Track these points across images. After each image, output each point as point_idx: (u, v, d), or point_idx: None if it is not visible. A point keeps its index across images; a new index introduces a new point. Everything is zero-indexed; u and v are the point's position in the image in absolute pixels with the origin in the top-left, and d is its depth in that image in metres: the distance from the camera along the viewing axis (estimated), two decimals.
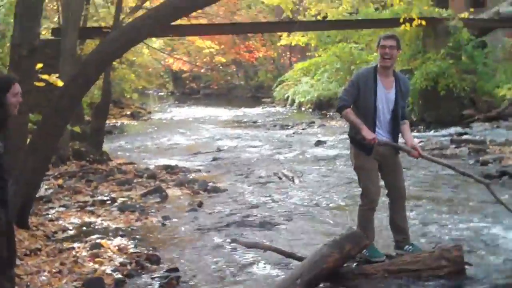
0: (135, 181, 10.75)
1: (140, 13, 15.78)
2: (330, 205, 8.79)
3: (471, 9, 22.37)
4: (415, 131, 16.68)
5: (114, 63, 17.05)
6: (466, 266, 5.44)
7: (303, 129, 19.59)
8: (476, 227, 7.09)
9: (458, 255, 5.41)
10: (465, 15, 20.69)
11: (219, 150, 15.00)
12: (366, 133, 5.71)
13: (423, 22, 16.79)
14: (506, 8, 21.81)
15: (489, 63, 21.13)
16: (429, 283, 5.23)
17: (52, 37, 14.79)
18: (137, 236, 7.41)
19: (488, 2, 27.02)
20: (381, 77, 5.89)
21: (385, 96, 5.89)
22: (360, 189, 6.09)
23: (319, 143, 15.29)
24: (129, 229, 7.76)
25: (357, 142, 5.93)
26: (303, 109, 27.30)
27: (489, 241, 6.50)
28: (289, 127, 20.26)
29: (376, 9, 24.25)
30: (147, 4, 19.00)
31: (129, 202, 9.23)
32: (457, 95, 18.53)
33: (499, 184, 9.21)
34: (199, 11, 21.19)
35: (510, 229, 6.77)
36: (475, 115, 18.01)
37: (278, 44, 30.20)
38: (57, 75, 8.55)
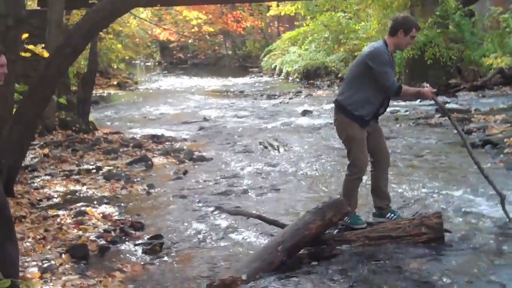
0: (121, 150, 10.79)
1: None
2: (314, 173, 8.84)
3: None
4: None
5: (100, 33, 16.95)
6: (445, 233, 5.51)
7: (290, 98, 19.61)
8: (456, 195, 7.15)
9: (438, 222, 5.47)
10: None
11: (205, 119, 15.04)
12: (428, 92, 5.91)
13: None
14: None
15: (476, 32, 21.12)
16: (409, 250, 5.29)
17: (39, 8, 14.68)
18: (122, 204, 7.46)
19: None
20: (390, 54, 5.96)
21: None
22: (347, 159, 6.12)
23: (305, 113, 15.32)
24: (114, 197, 7.81)
25: (352, 114, 5.94)
26: (290, 78, 27.30)
27: (467, 208, 6.56)
28: (276, 97, 20.28)
29: None
30: None
31: (114, 171, 9.27)
32: (444, 64, 18.56)
33: (482, 153, 9.27)
34: None
35: (488, 198, 6.85)
36: (461, 84, 18.06)
37: (267, 14, 30.09)
38: (43, 45, 8.51)
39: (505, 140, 9.95)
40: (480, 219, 6.19)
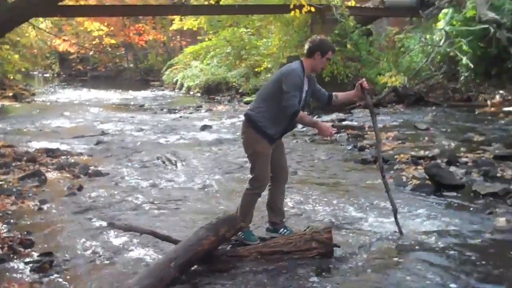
0: (13, 164, 10.43)
1: None
2: (211, 189, 8.86)
3: None
4: None
5: None
6: (335, 248, 5.66)
7: (190, 113, 19.59)
8: (348, 210, 7.37)
9: (328, 237, 5.62)
10: (351, 3, 21.31)
11: (103, 133, 14.79)
12: (325, 129, 5.94)
13: (312, 9, 17.13)
14: None
15: (373, 51, 21.83)
16: (300, 265, 5.40)
17: None
18: (12, 221, 7.22)
19: None
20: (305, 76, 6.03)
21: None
22: (250, 173, 6.18)
23: (204, 128, 15.34)
24: (4, 213, 7.54)
25: (262, 131, 6.00)
26: (191, 93, 27.32)
27: (358, 223, 6.78)
28: (176, 111, 20.21)
29: None
30: None
31: (5, 186, 8.95)
32: (341, 82, 19.05)
33: (374, 169, 9.56)
34: None
35: (379, 213, 7.10)
36: (357, 102, 18.55)
37: (170, 28, 30.01)
38: None
39: (396, 156, 10.32)
40: (369, 233, 6.39)
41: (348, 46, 20.34)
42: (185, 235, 5.99)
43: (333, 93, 6.32)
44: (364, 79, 6.28)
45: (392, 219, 6.36)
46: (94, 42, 37.56)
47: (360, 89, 6.18)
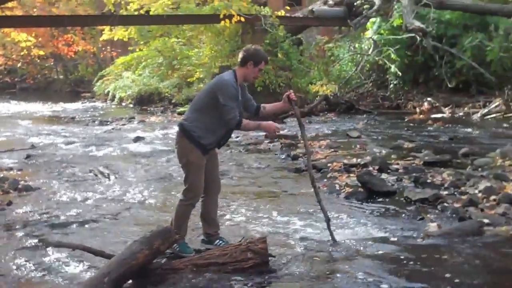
0: None
1: None
2: (145, 201, 8.78)
3: (287, 7, 23.29)
4: None
5: None
6: (270, 258, 5.68)
7: (122, 124, 19.36)
8: (283, 220, 7.42)
9: (263, 247, 5.64)
10: (281, 12, 21.52)
11: (33, 147, 14.45)
12: (269, 127, 6.04)
13: (242, 19, 17.22)
14: (319, 7, 22.96)
15: (303, 60, 22.12)
16: (235, 275, 5.41)
17: None
18: None
19: (305, 1, 28.26)
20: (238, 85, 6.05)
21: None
22: (183, 184, 6.16)
23: (138, 139, 15.18)
24: None
25: (197, 141, 5.98)
26: (124, 104, 27.04)
27: (292, 232, 6.84)
28: (109, 123, 19.95)
29: (197, 4, 24.50)
30: None
31: None
32: (273, 91, 19.21)
33: (307, 178, 9.63)
34: (14, 2, 20.29)
35: (313, 222, 7.18)
36: (290, 111, 18.71)
37: (101, 38, 29.63)
38: None
39: (329, 165, 10.47)
40: (305, 242, 6.45)
41: (279, 55, 20.55)
42: (119, 249, 5.91)
43: (261, 105, 6.36)
44: (291, 90, 6.35)
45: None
46: (22, 53, 36.77)
47: (287, 100, 6.24)
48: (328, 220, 6.37)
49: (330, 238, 6.34)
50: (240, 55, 6.14)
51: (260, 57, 6.11)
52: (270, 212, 7.80)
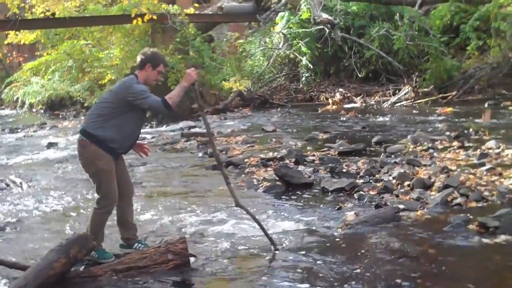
0: None
1: None
2: (61, 209, 8.55)
3: (196, 5, 23.23)
4: (148, 126, 16.92)
5: None
6: (191, 258, 5.65)
7: (34, 131, 18.90)
8: (201, 218, 7.38)
9: (183, 248, 5.60)
10: (190, 10, 21.42)
11: None
12: (189, 78, 5.85)
13: (155, 17, 17.04)
14: (228, 3, 22.99)
15: (216, 57, 22.10)
16: (156, 278, 5.35)
17: None
18: None
19: None
20: None
21: None
22: (96, 193, 6.01)
23: (50, 145, 14.83)
24: None
25: (106, 145, 5.84)
26: (34, 110, 26.41)
27: (212, 230, 6.81)
28: (19, 130, 19.43)
29: (104, 5, 24.07)
30: None
31: None
32: (187, 90, 19.07)
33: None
34: None
35: (232, 218, 7.17)
36: (204, 109, 18.69)
37: (5, 42, 28.71)
38: None
39: (246, 160, 10.50)
40: (226, 239, 6.43)
41: (191, 53, 20.44)
42: (35, 260, 5.75)
43: (165, 97, 6.11)
44: (193, 68, 6.19)
45: (249, 222, 6.46)
46: None
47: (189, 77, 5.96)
48: (249, 213, 6.33)
49: (254, 234, 6.35)
50: (138, 58, 6.06)
51: (157, 60, 6.06)
52: (189, 210, 7.76)
